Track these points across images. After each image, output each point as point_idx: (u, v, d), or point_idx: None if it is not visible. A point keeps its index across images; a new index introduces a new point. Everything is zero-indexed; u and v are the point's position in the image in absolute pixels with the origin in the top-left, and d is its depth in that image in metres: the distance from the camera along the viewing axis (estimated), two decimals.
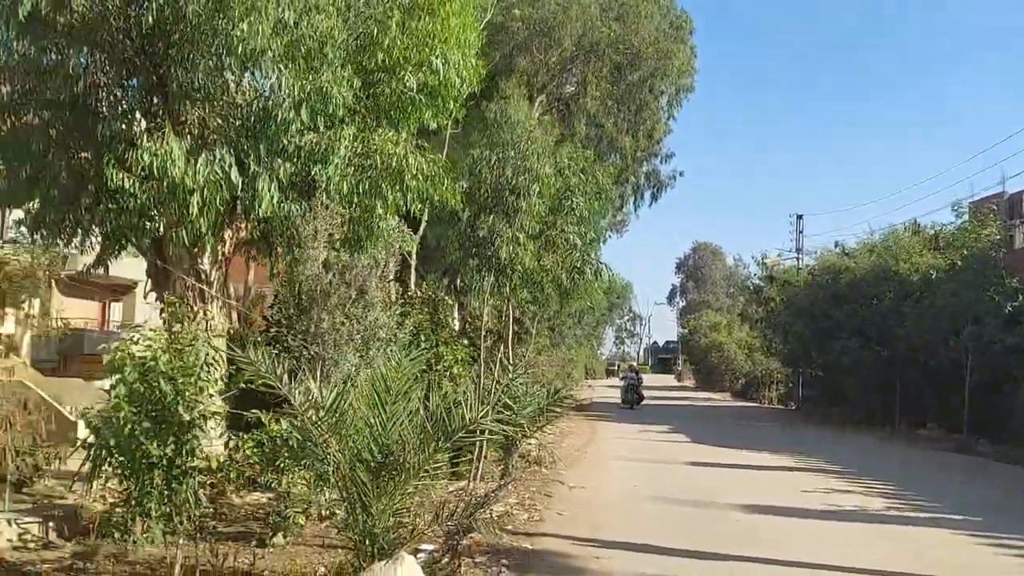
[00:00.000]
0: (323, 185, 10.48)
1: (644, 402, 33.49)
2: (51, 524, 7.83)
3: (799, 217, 41.90)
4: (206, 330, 11.22)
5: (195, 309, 11.22)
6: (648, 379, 77.59)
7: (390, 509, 6.40)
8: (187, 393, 6.14)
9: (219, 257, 11.51)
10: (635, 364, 28.95)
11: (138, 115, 9.78)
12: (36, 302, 28.46)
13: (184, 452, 6.19)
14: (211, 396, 6.35)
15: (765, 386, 42.07)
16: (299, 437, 7.04)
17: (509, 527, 8.28)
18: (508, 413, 12.90)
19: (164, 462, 6.14)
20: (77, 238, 11.01)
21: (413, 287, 20.28)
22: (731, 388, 48.68)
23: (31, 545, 7.43)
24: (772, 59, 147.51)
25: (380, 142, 10.68)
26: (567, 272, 12.38)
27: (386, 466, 6.45)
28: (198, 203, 9.25)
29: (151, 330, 6.71)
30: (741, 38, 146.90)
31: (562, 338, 53.48)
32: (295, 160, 10.42)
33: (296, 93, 9.61)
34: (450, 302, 19.98)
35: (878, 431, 23.89)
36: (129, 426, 6.04)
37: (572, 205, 12.27)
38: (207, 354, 6.49)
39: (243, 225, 11.51)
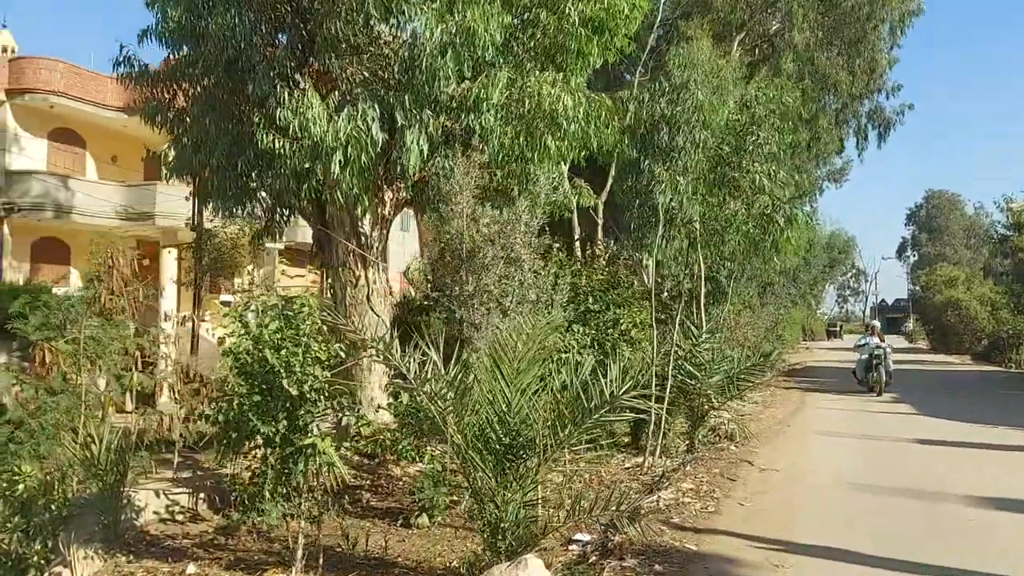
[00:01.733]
0: (478, 135, 9.70)
1: (851, 365, 29.22)
2: (201, 496, 7.71)
3: None
4: (367, 296, 10.96)
5: (356, 274, 10.93)
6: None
7: (518, 500, 5.50)
8: (295, 365, 5.57)
9: (379, 218, 11.10)
10: (877, 325, 23.29)
11: (288, 73, 9.41)
12: (259, 272, 30.51)
13: (296, 429, 5.64)
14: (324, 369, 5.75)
15: (1012, 348, 36.88)
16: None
17: (676, 519, 7.09)
18: (692, 382, 11.66)
19: (278, 439, 5.63)
20: (246, 206, 10.98)
21: (601, 246, 19.25)
22: (971, 350, 43.12)
23: (179, 517, 7.32)
24: None
25: (535, 84, 9.69)
26: (754, 220, 10.72)
27: (512, 449, 5.55)
28: (340, 161, 8.77)
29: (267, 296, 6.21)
30: None
31: (775, 297, 50.35)
32: (446, 111, 9.71)
33: (440, 36, 8.84)
34: (645, 262, 18.67)
35: None
36: (237, 401, 5.59)
37: (758, 140, 10.57)
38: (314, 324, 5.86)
39: (402, 184, 11.02)
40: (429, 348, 5.64)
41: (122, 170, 27.71)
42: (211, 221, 20.23)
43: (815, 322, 77.11)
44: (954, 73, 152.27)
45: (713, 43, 20.62)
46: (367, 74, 9.38)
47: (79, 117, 26.53)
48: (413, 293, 16.81)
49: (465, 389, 5.59)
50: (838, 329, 76.61)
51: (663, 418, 10.80)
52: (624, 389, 5.39)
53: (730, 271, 17.08)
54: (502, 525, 5.48)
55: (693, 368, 11.27)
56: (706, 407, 11.59)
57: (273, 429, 5.57)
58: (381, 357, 5.76)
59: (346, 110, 8.80)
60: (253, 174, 10.03)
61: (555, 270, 9.74)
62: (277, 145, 8.83)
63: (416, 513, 7.45)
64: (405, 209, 12.42)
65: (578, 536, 6.99)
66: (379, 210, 11.04)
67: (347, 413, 6.34)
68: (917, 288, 67.99)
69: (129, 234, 25.73)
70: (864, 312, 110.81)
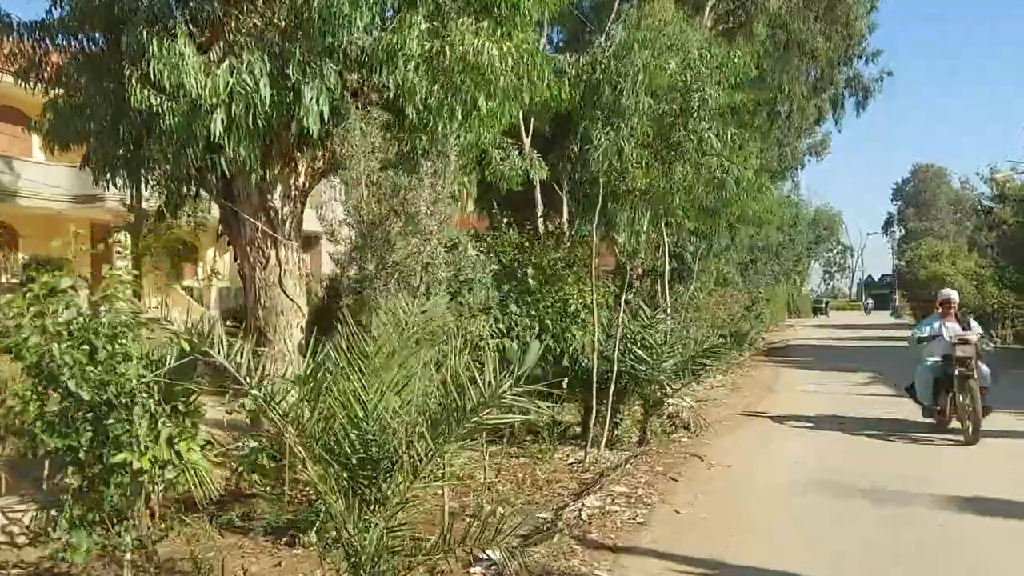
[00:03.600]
0: (394, 92, 8.56)
1: (834, 343, 27.54)
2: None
3: None
4: (279, 278, 9.84)
5: (266, 253, 9.80)
6: (860, 317, 70.73)
7: (380, 524, 4.42)
8: (83, 362, 4.42)
9: (291, 190, 9.94)
10: (954, 297, 11.50)
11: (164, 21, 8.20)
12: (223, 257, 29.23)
13: (107, 443, 4.54)
14: (141, 369, 4.62)
15: (998, 323, 36.08)
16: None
17: (595, 533, 6.03)
18: (642, 368, 10.61)
19: (79, 456, 4.52)
20: (138, 177, 9.76)
21: (560, 222, 18.13)
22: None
23: None
24: None
25: (457, 33, 8.53)
26: (703, 185, 9.61)
27: (369, 463, 4.47)
28: (222, 121, 7.61)
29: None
30: None
31: (757, 275, 49.52)
32: (356, 65, 8.56)
33: None
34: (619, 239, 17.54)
35: None
36: (20, 409, 4.48)
37: (703, 96, 9.44)
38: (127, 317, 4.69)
39: (321, 153, 9.86)
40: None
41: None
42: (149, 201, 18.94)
43: (801, 300, 76.37)
44: (939, 42, 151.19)
45: (687, 11, 19.50)
46: (258, 21, 8.19)
47: (21, 95, 25.15)
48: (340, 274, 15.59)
49: (317, 391, 4.50)
50: (824, 306, 75.83)
51: (609, 408, 9.76)
52: (506, 386, 4.29)
53: (696, 247, 16.05)
54: (362, 556, 4.41)
55: (643, 352, 10.22)
56: (658, 394, 10.56)
57: (73, 442, 4.47)
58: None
59: (227, 61, 7.63)
60: (138, 141, 8.83)
61: (480, 246, 8.64)
62: (154, 103, 7.66)
63: (304, 528, 6.40)
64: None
65: (484, 555, 5.95)
66: (292, 181, 9.88)
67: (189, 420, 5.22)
68: (902, 263, 67.34)
69: (80, 217, 24.52)
70: (851, 288, 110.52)
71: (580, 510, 6.49)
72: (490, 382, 4.34)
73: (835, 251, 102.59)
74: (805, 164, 54.82)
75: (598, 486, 7.37)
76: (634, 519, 6.36)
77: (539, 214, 20.11)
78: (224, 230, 10.22)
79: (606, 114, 9.11)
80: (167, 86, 7.48)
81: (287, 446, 4.71)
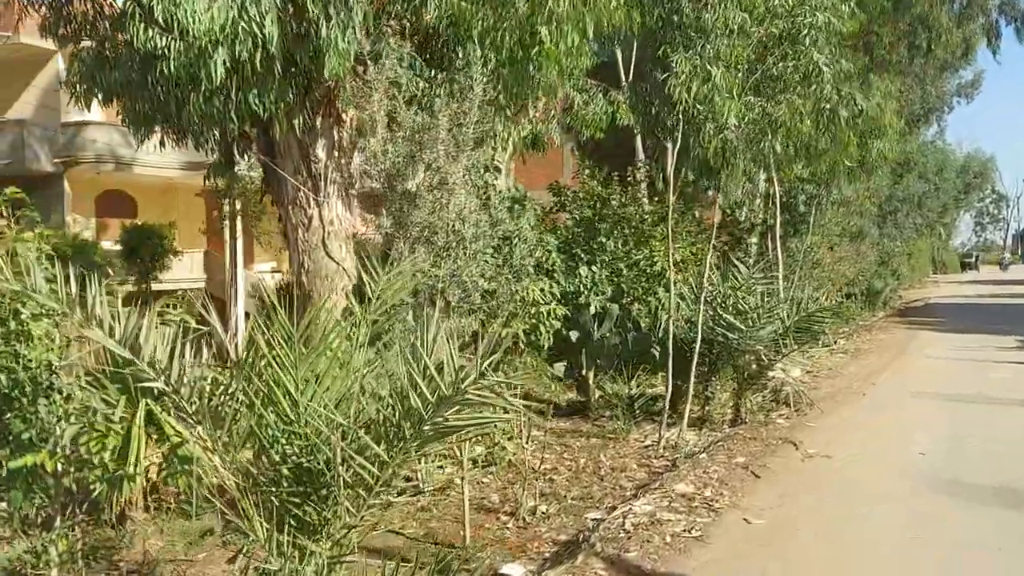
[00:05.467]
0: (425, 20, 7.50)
1: (980, 301, 23.99)
2: None
3: None
4: (323, 240, 9.04)
5: (308, 213, 9.02)
6: (1011, 271, 64.17)
7: (322, 553, 3.43)
8: None
9: (335, 143, 9.05)
10: None
11: None
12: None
13: (9, 442, 3.75)
14: (52, 349, 3.78)
15: None
16: None
17: (633, 551, 4.83)
18: (734, 336, 9.18)
19: None
20: (173, 132, 9.09)
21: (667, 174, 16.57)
22: None
23: None
24: None
25: None
26: (811, 117, 7.94)
27: (302, 480, 3.48)
28: (225, 63, 6.73)
29: None
30: None
31: (897, 227, 45.68)
32: None
33: None
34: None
35: None
36: None
37: (815, 22, 7.72)
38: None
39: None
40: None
41: None
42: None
43: (946, 254, 70.58)
44: None
45: None
46: None
47: None
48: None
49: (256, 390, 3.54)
50: (974, 260, 69.14)
51: (691, 382, 8.47)
52: (470, 380, 3.18)
53: (809, 195, 14.21)
54: None
55: (733, 318, 8.81)
56: (753, 366, 9.14)
57: None
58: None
59: None
60: (163, 89, 8.09)
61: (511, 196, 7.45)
62: (158, 44, 6.87)
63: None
64: None
65: (506, 570, 4.93)
66: (336, 133, 8.99)
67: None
68: None
69: (191, 184, 24.83)
70: (1006, 241, 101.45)
71: (624, 516, 5.32)
72: (452, 374, 3.26)
73: (988, 200, 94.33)
74: (953, 106, 50.00)
75: (657, 483, 6.14)
76: (690, 531, 5.11)
77: (639, 164, 18.60)
78: (266, 189, 9.49)
79: (687, 34, 7.66)
80: (166, 23, 6.67)
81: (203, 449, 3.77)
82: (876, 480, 6.38)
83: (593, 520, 5.77)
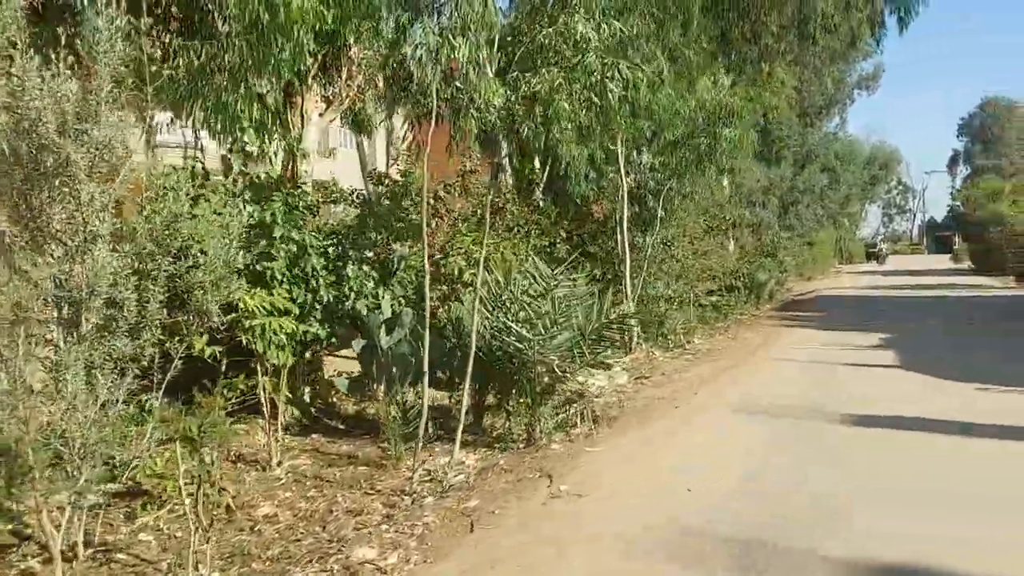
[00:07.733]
0: None
1: (873, 293, 24.06)
2: None
3: None
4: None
5: None
6: (913, 261, 64.91)
7: None
8: None
9: None
10: None
11: None
12: None
13: None
14: None
15: None
16: None
17: None
18: (523, 346, 8.08)
19: None
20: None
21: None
22: (1015, 271, 37.80)
23: None
24: None
25: None
26: (580, 94, 6.82)
27: None
28: None
29: None
30: None
31: (797, 219, 45.93)
32: None
33: None
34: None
35: None
36: None
37: None
38: None
39: None
40: None
41: None
42: None
43: (853, 244, 71.77)
44: None
45: None
46: None
47: None
48: None
49: None
50: (879, 251, 68.29)
51: (465, 395, 7.35)
52: None
53: (653, 189, 13.30)
54: None
55: (522, 327, 7.71)
56: (546, 379, 8.08)
57: None
58: None
59: None
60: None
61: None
62: None
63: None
64: None
65: None
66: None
67: None
68: (958, 204, 62.29)
69: None
70: (912, 232, 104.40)
71: None
72: None
73: (895, 192, 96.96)
74: (855, 98, 50.52)
75: (335, 546, 4.94)
76: None
77: (503, 154, 17.43)
78: None
79: None
80: None
81: None
82: (614, 531, 5.15)
83: None
